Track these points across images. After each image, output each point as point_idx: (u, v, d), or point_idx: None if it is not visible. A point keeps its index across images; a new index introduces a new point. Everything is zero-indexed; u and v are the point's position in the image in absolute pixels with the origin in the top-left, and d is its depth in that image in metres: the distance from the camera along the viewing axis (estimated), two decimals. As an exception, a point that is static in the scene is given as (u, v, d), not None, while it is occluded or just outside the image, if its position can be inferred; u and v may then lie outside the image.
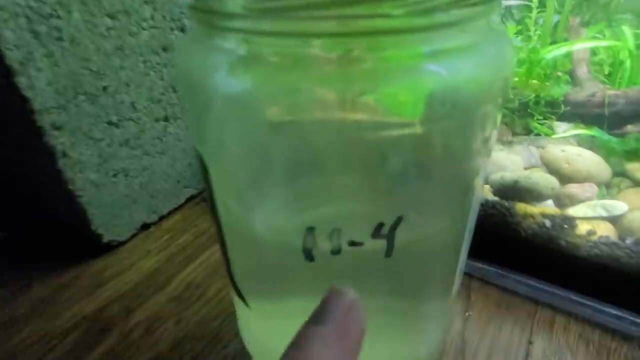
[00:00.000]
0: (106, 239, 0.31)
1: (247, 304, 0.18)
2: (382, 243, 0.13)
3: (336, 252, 0.14)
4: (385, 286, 0.16)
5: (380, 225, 0.13)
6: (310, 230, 0.13)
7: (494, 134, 0.16)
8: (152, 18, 0.29)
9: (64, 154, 0.27)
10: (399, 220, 0.13)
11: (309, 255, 0.14)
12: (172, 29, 0.31)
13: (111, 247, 0.32)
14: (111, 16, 0.26)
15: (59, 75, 0.25)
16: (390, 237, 0.13)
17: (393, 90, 0.12)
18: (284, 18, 0.11)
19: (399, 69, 0.12)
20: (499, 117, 0.16)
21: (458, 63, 0.12)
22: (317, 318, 0.11)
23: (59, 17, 0.24)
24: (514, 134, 0.29)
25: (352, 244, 0.13)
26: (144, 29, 0.29)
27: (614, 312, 0.24)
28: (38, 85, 0.24)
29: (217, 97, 0.13)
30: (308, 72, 0.12)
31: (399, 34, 0.11)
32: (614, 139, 0.26)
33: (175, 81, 0.31)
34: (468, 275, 0.29)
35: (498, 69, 0.14)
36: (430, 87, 0.12)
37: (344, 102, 0.12)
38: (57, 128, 0.26)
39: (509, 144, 0.28)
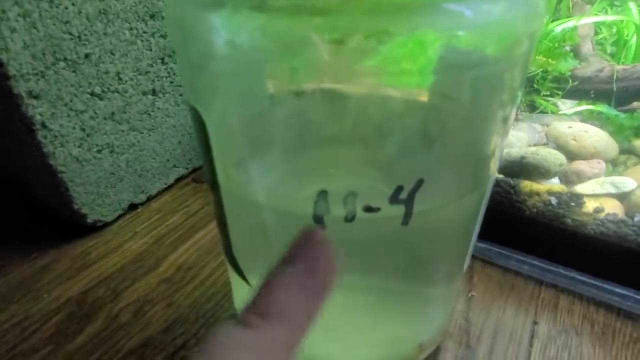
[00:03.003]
0: (90, 219, 0.29)
1: (248, 282, 0.17)
2: (400, 209, 0.12)
3: (350, 218, 0.12)
4: (399, 259, 0.15)
5: (400, 189, 0.12)
6: (323, 194, 0.12)
7: (512, 115, 0.15)
8: (139, -19, 0.27)
9: (44, 126, 0.25)
10: (419, 184, 0.12)
11: (320, 222, 0.12)
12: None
13: (96, 228, 0.30)
14: (94, -25, 0.24)
15: (36, 38, 0.23)
16: (410, 202, 0.12)
17: (395, 51, 0.11)
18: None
19: (414, 6, 0.10)
20: (519, 95, 0.14)
21: (485, 4, 0.11)
22: (285, 259, 0.11)
23: (35, -28, 0.22)
24: (519, 110, 0.29)
25: (369, 209, 0.12)
26: (130, -8, 0.27)
27: (618, 290, 0.24)
28: (12, 47, 0.22)
29: (218, 44, 0.11)
30: (319, 12, 0.10)
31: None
32: (622, 115, 0.25)
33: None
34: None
35: (528, 19, 0.12)
36: (452, 31, 0.11)
37: (349, 54, 0.11)
38: (35, 97, 0.24)
39: (515, 120, 0.27)
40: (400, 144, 0.13)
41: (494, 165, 0.15)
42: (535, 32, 0.13)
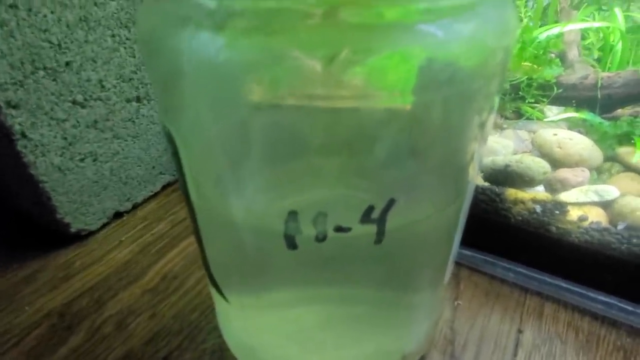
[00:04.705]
0: (74, 228, 0.29)
1: (225, 298, 0.17)
2: (371, 228, 0.12)
3: (321, 238, 0.12)
4: (374, 275, 0.15)
5: (370, 209, 0.12)
6: (293, 214, 0.12)
7: (491, 120, 0.15)
8: (121, -12, 0.27)
9: (23, 135, 0.24)
10: (391, 203, 0.12)
11: (291, 243, 0.12)
12: (143, 1, 0.28)
13: (80, 237, 0.30)
14: (73, -17, 0.24)
15: (14, 47, 0.22)
16: (381, 222, 0.12)
17: (382, 56, 0.11)
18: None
19: (390, 28, 0.10)
20: (496, 100, 0.14)
21: (456, 24, 0.11)
22: None
23: (11, -20, 0.21)
24: (505, 117, 0.28)
25: (339, 229, 0.12)
26: (111, -1, 0.26)
27: (603, 299, 0.24)
28: (-11, 57, 0.22)
29: (185, 61, 0.11)
30: (289, 31, 0.10)
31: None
32: (606, 123, 0.25)
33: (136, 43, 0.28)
34: (457, 263, 0.28)
35: (500, 36, 0.12)
36: (424, 50, 0.11)
37: (329, 70, 0.11)
38: (14, 106, 0.23)
39: (500, 128, 0.27)
40: (371, 161, 0.12)
41: (473, 172, 0.15)
42: (508, 45, 0.13)
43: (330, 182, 0.13)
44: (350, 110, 0.11)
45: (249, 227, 0.13)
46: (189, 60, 0.11)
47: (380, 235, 0.12)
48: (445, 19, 0.11)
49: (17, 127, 0.24)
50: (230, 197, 0.13)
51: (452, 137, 0.14)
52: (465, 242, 0.28)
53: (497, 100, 0.14)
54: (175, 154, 0.14)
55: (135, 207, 0.33)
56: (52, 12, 0.24)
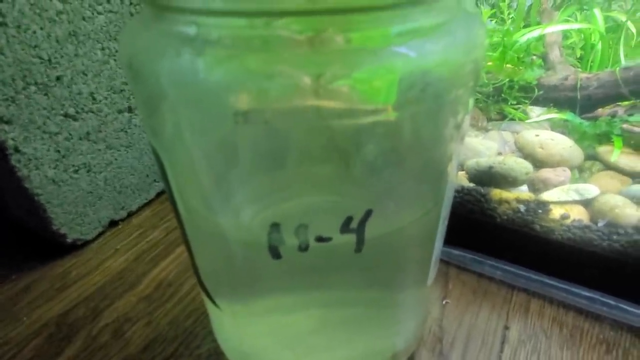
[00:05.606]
0: (70, 238, 0.30)
1: (216, 305, 0.17)
2: (351, 237, 0.13)
3: (304, 248, 0.13)
4: (357, 280, 0.15)
5: (349, 220, 0.12)
6: (276, 226, 0.12)
7: (467, 119, 0.15)
8: (109, 2, 0.27)
9: (17, 150, 0.25)
10: (368, 214, 0.12)
11: (275, 253, 0.13)
12: (131, 14, 0.29)
13: (77, 247, 0.31)
14: (61, -1, 0.24)
15: (4, 64, 0.23)
16: (360, 231, 0.13)
17: (364, 74, 0.11)
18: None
19: (368, 51, 0.11)
20: (471, 102, 0.15)
21: (427, 44, 0.12)
22: None
23: (0, 0, 0.22)
24: (489, 119, 0.29)
25: (320, 239, 0.13)
26: (99, 13, 0.27)
27: (586, 294, 0.25)
28: (-19, 75, 0.22)
29: (166, 85, 0.12)
30: (271, 57, 0.11)
31: (365, 12, 0.11)
32: (586, 123, 0.26)
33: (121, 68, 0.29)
34: (445, 262, 0.28)
35: (468, 51, 0.13)
36: (400, 70, 0.12)
37: (313, 90, 0.11)
38: (7, 122, 0.24)
39: (485, 129, 0.28)
40: (351, 172, 0.13)
41: (452, 172, 0.16)
42: (477, 58, 0.14)
43: (309, 191, 0.14)
44: (328, 126, 0.12)
45: (235, 239, 0.14)
46: (169, 83, 0.11)
47: (360, 244, 0.13)
48: (417, 40, 0.11)
49: (10, 142, 0.24)
50: (214, 210, 0.14)
51: (429, 144, 0.14)
52: (453, 242, 0.29)
53: (471, 102, 0.15)
54: (161, 167, 0.14)
55: (130, 215, 0.34)
56: (41, 29, 0.24)
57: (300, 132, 0.13)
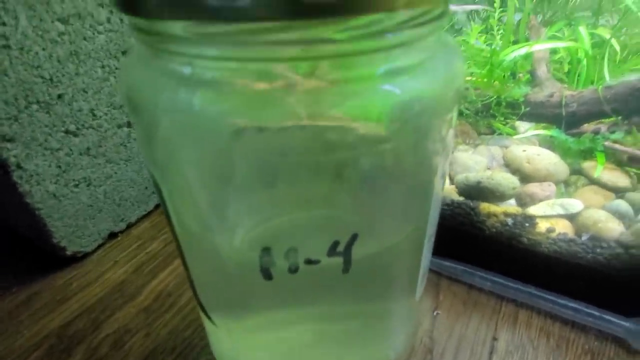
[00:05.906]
0: (70, 250, 0.30)
1: (212, 321, 0.18)
2: (338, 260, 0.14)
3: (294, 270, 0.14)
4: (346, 297, 0.16)
5: (336, 244, 0.13)
6: (266, 250, 0.13)
7: (451, 132, 0.16)
8: (109, 21, 0.28)
9: (18, 166, 0.26)
10: (354, 238, 0.13)
11: (267, 274, 0.14)
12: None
13: (76, 259, 0.31)
14: (63, 21, 0.25)
15: (7, 84, 0.24)
16: (347, 254, 0.13)
17: (353, 111, 0.12)
18: (228, 43, 0.10)
19: (354, 90, 0.12)
20: (454, 118, 0.16)
21: (411, 81, 0.12)
22: None
23: (4, 24, 0.23)
24: (479, 134, 0.30)
25: (309, 262, 0.13)
26: (100, 32, 0.28)
27: (572, 305, 0.25)
28: (-15, 96, 0.23)
29: (163, 120, 0.12)
30: (264, 96, 0.12)
31: (348, 57, 0.11)
32: (571, 139, 0.26)
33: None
34: (437, 273, 0.29)
35: (449, 82, 0.14)
36: (386, 106, 0.12)
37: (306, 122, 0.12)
38: (9, 140, 0.25)
39: (474, 145, 0.29)
40: (333, 199, 0.14)
41: (438, 185, 0.17)
42: (458, 87, 0.15)
43: (298, 217, 0.14)
44: (315, 158, 0.13)
45: (228, 258, 0.15)
46: (166, 116, 0.12)
47: (347, 265, 0.14)
48: (401, 78, 0.12)
49: (12, 160, 0.25)
50: (209, 235, 0.15)
51: (415, 167, 0.15)
52: (444, 253, 0.29)
53: (455, 118, 0.16)
54: (157, 185, 0.15)
55: (129, 226, 0.35)
56: (43, 49, 0.25)
57: (284, 161, 0.14)
